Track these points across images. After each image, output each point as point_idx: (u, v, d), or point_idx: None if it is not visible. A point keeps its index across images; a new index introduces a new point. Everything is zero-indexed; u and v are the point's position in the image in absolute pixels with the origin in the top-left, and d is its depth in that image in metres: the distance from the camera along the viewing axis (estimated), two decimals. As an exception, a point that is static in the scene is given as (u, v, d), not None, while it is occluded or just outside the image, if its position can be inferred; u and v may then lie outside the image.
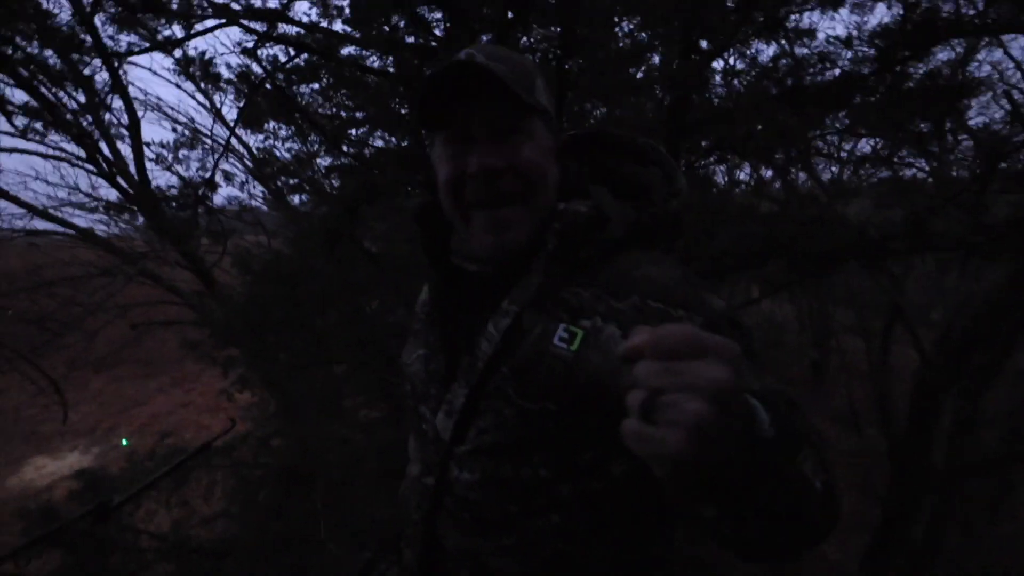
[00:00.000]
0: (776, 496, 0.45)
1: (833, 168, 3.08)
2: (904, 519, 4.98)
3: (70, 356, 5.45)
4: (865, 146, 2.90)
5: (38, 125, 3.72)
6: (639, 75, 2.80)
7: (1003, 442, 4.68)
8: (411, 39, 2.66)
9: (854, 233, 2.46)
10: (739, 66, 2.88)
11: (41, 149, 5.12)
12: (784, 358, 8.81)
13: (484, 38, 2.64)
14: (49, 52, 3.06)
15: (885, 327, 6.36)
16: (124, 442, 6.79)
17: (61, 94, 3.82)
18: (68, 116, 3.99)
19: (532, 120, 0.72)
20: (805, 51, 2.75)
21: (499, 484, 0.69)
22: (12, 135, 4.22)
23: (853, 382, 7.93)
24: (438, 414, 0.75)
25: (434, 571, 0.78)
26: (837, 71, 2.64)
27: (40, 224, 5.76)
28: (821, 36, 2.54)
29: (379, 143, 3.96)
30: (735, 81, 2.79)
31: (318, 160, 4.72)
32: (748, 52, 2.78)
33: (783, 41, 2.81)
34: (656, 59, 2.83)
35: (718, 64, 2.96)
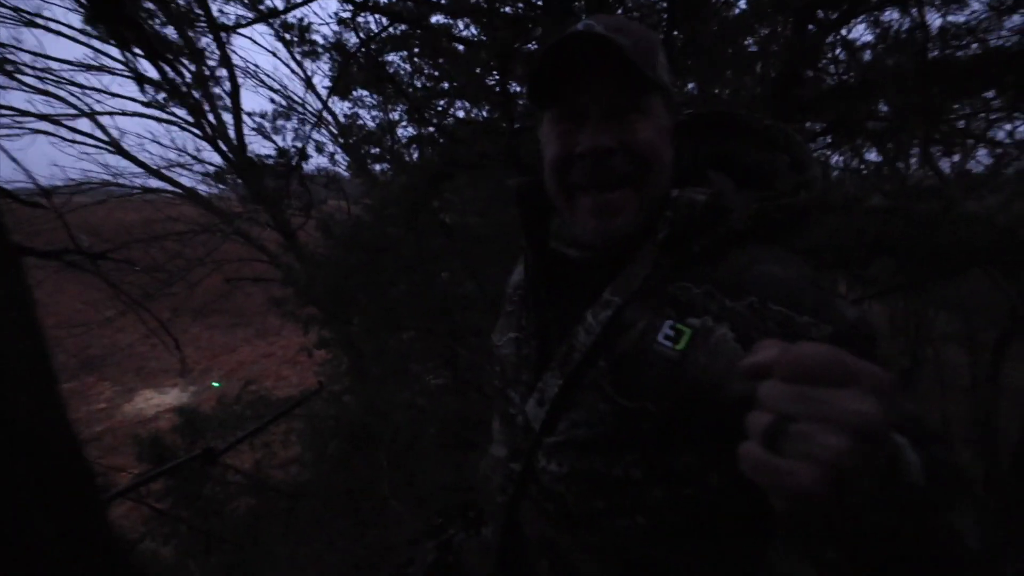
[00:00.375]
0: (917, 551, 0.39)
1: (972, 158, 2.70)
2: (1001, 552, 4.53)
3: (174, 303, 6.06)
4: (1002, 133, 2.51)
5: (160, 96, 4.05)
6: (750, 48, 2.57)
7: None
8: (505, 8, 2.60)
9: (993, 232, 2.15)
10: (867, 38, 2.56)
11: (156, 114, 5.61)
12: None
13: (580, 3, 2.53)
14: (169, 28, 3.30)
15: (999, 338, 5.68)
16: (215, 384, 7.53)
17: (178, 67, 4.13)
18: (183, 87, 4.31)
19: (651, 97, 0.66)
20: (949, 20, 2.40)
21: (587, 479, 0.66)
22: (136, 101, 4.65)
23: (949, 397, 7.19)
24: (529, 401, 0.72)
25: (514, 555, 0.77)
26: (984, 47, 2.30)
27: (154, 183, 6.37)
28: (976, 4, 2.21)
29: (461, 114, 3.97)
30: (865, 54, 2.49)
31: (399, 130, 4.82)
32: (881, 21, 2.47)
33: (916, 10, 2.46)
34: (766, 32, 2.58)
35: (841, 34, 2.66)
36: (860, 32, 2.52)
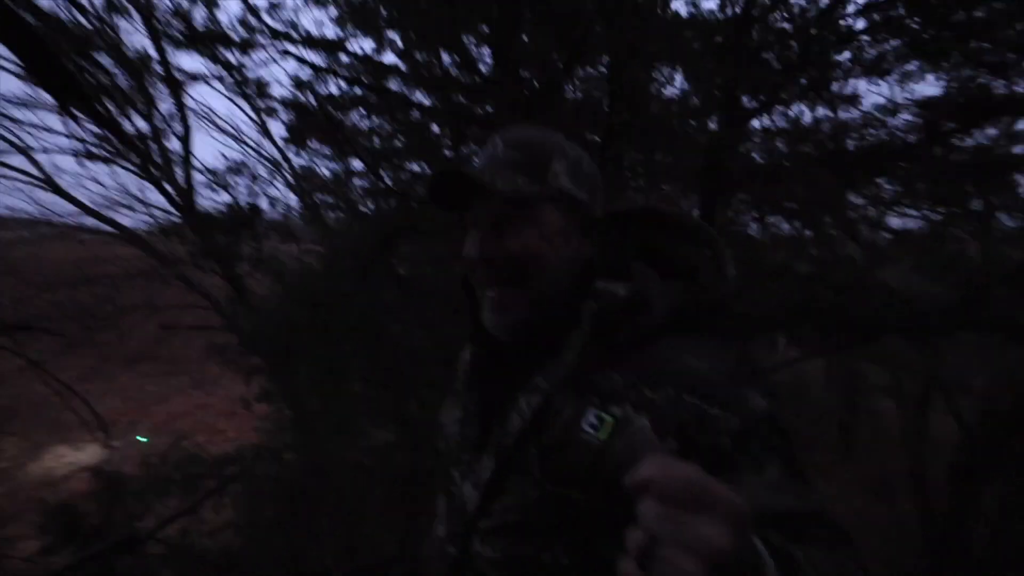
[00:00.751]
0: None
1: (877, 235, 3.01)
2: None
3: (103, 351, 5.65)
4: (906, 220, 2.84)
5: (103, 150, 3.95)
6: (683, 128, 2.81)
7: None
8: (460, 80, 2.74)
9: (900, 304, 2.37)
10: (780, 126, 2.86)
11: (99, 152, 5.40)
12: (809, 417, 8.47)
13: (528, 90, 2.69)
14: (118, 73, 3.28)
15: (922, 394, 6.09)
16: (141, 439, 6.94)
17: (126, 112, 4.05)
18: (131, 132, 4.22)
19: (538, 207, 0.72)
20: (849, 115, 2.72)
21: (519, 564, 0.67)
22: (75, 138, 4.48)
23: (885, 448, 7.55)
24: (465, 483, 0.75)
25: None
26: (881, 137, 2.61)
27: (89, 221, 6.05)
28: (866, 104, 2.52)
29: (416, 167, 4.06)
30: (776, 142, 2.77)
31: (355, 180, 4.86)
32: (790, 113, 2.76)
33: (825, 106, 2.78)
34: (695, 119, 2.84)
35: (759, 122, 2.95)
36: (779, 122, 2.83)
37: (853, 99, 2.49)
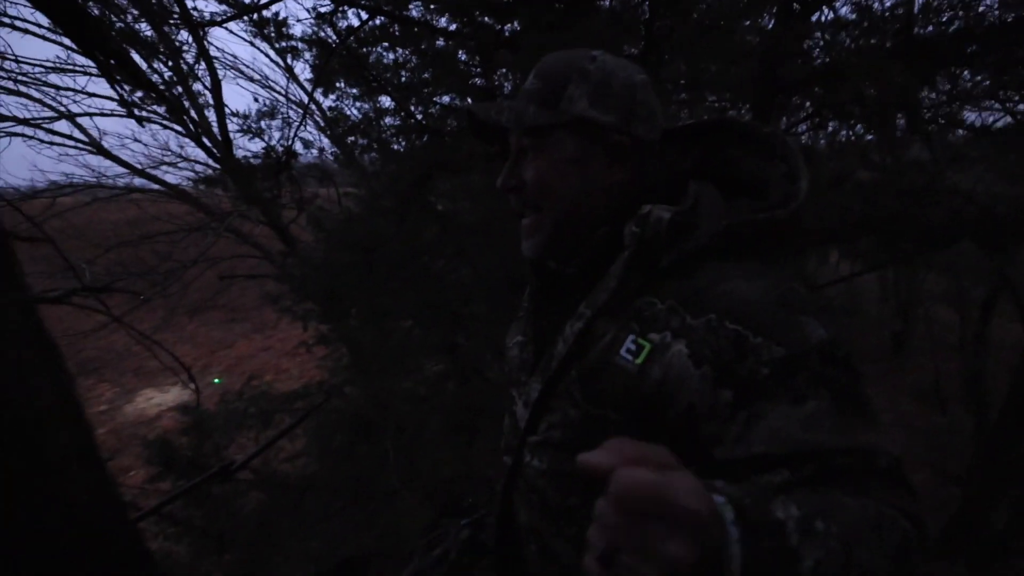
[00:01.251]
0: None
1: (951, 135, 2.72)
2: (986, 505, 4.72)
3: (169, 303, 6.06)
4: (986, 115, 2.52)
5: (137, 96, 3.97)
6: (733, 29, 2.55)
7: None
8: (486, -1, 2.55)
9: (974, 209, 2.19)
10: (848, 16, 2.56)
11: (136, 113, 5.47)
12: (863, 329, 8.26)
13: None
14: (143, 24, 3.22)
15: (987, 297, 5.79)
16: (217, 380, 7.58)
17: (153, 65, 4.04)
18: (161, 85, 4.23)
19: (552, 134, 0.73)
20: (931, -4, 2.39)
21: (563, 477, 0.72)
22: (114, 100, 4.55)
23: (940, 356, 7.35)
24: (519, 402, 0.80)
25: (509, 538, 0.85)
26: (969, 18, 2.29)
27: (139, 182, 6.28)
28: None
29: (446, 99, 3.92)
30: (843, 35, 2.49)
31: (386, 119, 4.76)
32: (860, 1, 2.46)
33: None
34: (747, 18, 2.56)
35: (822, 15, 2.65)
36: (844, 12, 2.51)
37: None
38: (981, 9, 2.15)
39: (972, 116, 2.48)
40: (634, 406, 0.65)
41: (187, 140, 5.70)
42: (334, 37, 3.07)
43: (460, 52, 2.99)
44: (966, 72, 2.20)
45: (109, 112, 5.35)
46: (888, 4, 2.40)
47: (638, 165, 0.75)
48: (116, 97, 4.50)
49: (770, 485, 0.53)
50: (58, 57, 5.22)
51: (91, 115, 5.57)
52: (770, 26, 2.46)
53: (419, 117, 3.70)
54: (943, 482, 5.43)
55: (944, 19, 2.33)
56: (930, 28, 2.36)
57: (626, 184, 0.74)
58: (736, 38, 2.44)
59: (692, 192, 0.71)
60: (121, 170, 6.30)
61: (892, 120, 2.60)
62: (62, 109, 5.59)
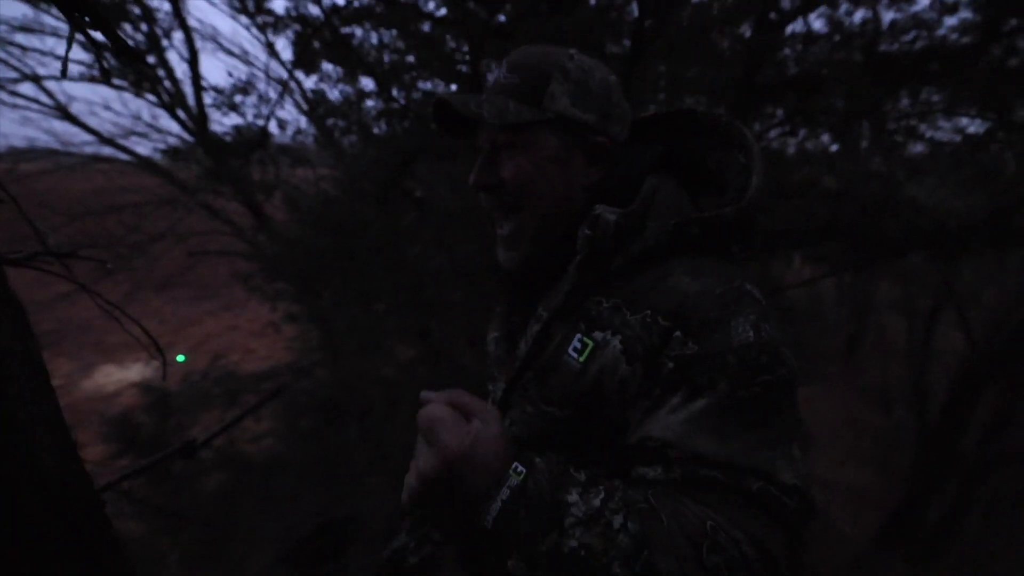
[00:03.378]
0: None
1: (911, 148, 2.87)
2: (924, 499, 5.02)
3: (135, 277, 5.87)
4: (942, 132, 2.68)
5: (111, 64, 3.81)
6: (714, 36, 2.63)
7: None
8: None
9: (928, 222, 2.33)
10: (821, 30, 2.67)
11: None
12: (820, 330, 8.60)
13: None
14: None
15: (932, 307, 6.13)
16: (181, 358, 7.39)
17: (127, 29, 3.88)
18: (136, 51, 4.06)
19: (532, 132, 0.70)
20: (897, 16, 2.52)
21: None
22: (84, 64, 4.36)
23: (889, 360, 7.74)
24: (490, 398, 0.82)
25: None
26: (933, 38, 2.43)
27: (106, 151, 6.03)
28: (921, 2, 2.32)
29: (429, 85, 3.90)
30: (813, 48, 2.59)
31: (368, 102, 4.70)
32: (834, 15, 2.56)
33: (870, 7, 2.57)
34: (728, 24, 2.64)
35: (798, 26, 2.75)
36: (818, 25, 2.63)
37: (906, -4, 2.30)
38: (941, 32, 2.28)
39: (929, 132, 2.63)
40: (576, 403, 0.66)
41: (160, 111, 5.52)
42: (318, 13, 3.03)
43: (447, 37, 2.98)
44: (925, 89, 2.34)
45: (80, 77, 5.12)
46: (858, 20, 2.52)
47: (612, 164, 0.74)
48: (88, 62, 4.32)
49: (642, 479, 0.58)
50: (26, 16, 4.97)
51: (59, 79, 5.32)
52: (748, 35, 2.55)
53: (402, 101, 3.68)
54: (887, 479, 5.75)
55: (909, 38, 2.46)
56: (895, 46, 2.49)
57: (600, 184, 0.73)
58: (716, 44, 2.52)
59: (645, 190, 0.70)
60: (88, 137, 6.04)
61: (857, 131, 2.72)
62: (26, 71, 5.34)
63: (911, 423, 5.77)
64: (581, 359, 0.66)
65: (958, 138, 2.56)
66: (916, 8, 2.47)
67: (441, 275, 4.55)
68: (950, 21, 2.35)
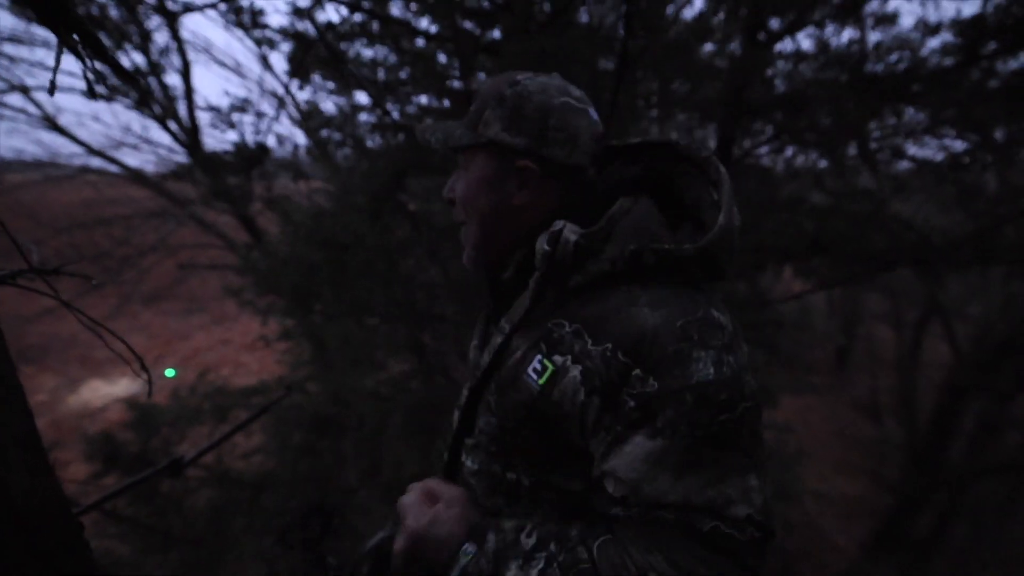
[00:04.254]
0: None
1: (896, 166, 2.95)
2: (912, 510, 5.05)
3: (123, 290, 5.79)
4: (926, 150, 2.76)
5: (101, 88, 3.79)
6: (703, 53, 2.69)
7: (1027, 447, 4.64)
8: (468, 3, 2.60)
9: (914, 237, 2.38)
10: (808, 50, 2.73)
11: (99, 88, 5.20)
12: (810, 342, 8.68)
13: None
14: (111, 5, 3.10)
15: (920, 319, 6.22)
16: (170, 373, 7.26)
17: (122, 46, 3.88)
18: (128, 65, 4.07)
19: (472, 155, 0.77)
20: (882, 37, 2.59)
21: (490, 478, 0.76)
22: (74, 75, 4.34)
23: (878, 371, 7.83)
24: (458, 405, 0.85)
25: None
26: (915, 60, 2.50)
27: (95, 162, 5.98)
28: (906, 23, 2.39)
29: (424, 99, 3.93)
30: (801, 66, 2.66)
31: (362, 116, 4.72)
32: (821, 35, 2.63)
33: (857, 27, 2.64)
34: (717, 43, 2.70)
35: (785, 45, 2.81)
36: (806, 45, 2.70)
37: (890, 19, 2.36)
38: (924, 53, 2.34)
39: (913, 150, 2.70)
40: (534, 423, 0.68)
41: (151, 122, 5.50)
42: (313, 30, 3.05)
43: (439, 54, 3.02)
44: (910, 108, 2.40)
45: (68, 88, 5.08)
46: (844, 40, 2.59)
47: (560, 187, 0.74)
48: (78, 73, 4.31)
49: (606, 514, 0.63)
50: (15, 27, 4.94)
51: (49, 94, 5.26)
52: (738, 52, 2.60)
53: (395, 116, 3.70)
54: (878, 489, 5.78)
55: (893, 59, 2.53)
56: (880, 66, 2.55)
57: (542, 206, 0.74)
58: (705, 60, 2.58)
59: (613, 211, 0.69)
60: (77, 149, 6.00)
61: (844, 148, 2.78)
62: (14, 81, 5.30)
63: (900, 434, 5.83)
64: (540, 382, 0.67)
65: (942, 156, 2.62)
66: (900, 29, 2.55)
67: (434, 289, 4.55)
68: (933, 43, 2.42)
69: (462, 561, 0.63)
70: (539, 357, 0.68)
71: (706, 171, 0.73)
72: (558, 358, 0.66)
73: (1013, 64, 2.27)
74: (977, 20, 2.23)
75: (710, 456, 0.58)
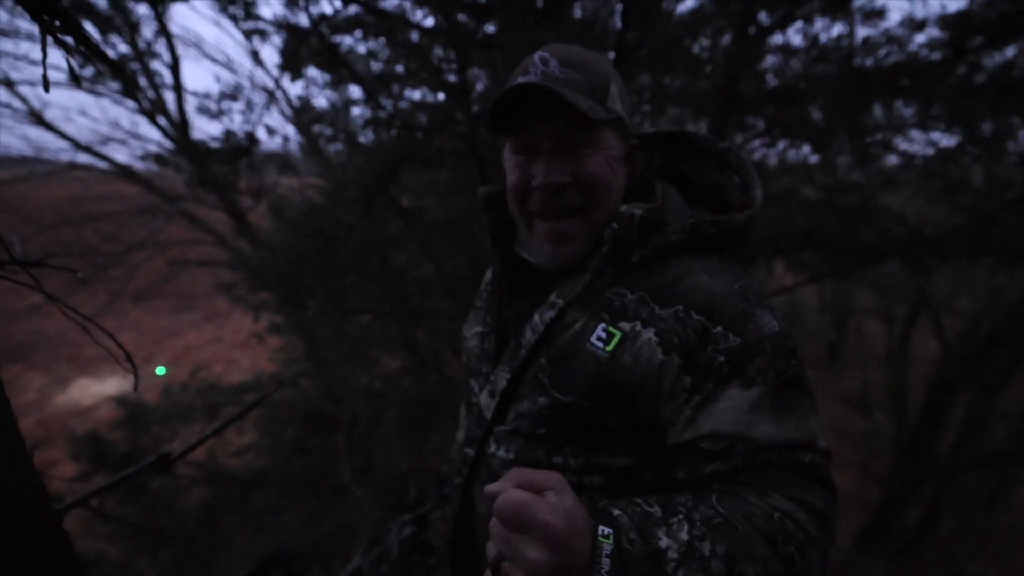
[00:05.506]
0: None
1: (886, 160, 2.98)
2: (902, 502, 5.12)
3: (112, 287, 5.72)
4: (915, 144, 2.80)
5: (88, 72, 3.75)
6: (695, 48, 2.70)
7: (1012, 438, 4.71)
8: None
9: (903, 230, 2.41)
10: (798, 44, 2.75)
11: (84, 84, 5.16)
12: (802, 337, 8.79)
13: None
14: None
15: (909, 314, 6.30)
16: (161, 371, 7.18)
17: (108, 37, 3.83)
18: (115, 58, 4.02)
19: (602, 131, 0.70)
20: (870, 32, 2.62)
21: (530, 465, 0.73)
22: (61, 70, 4.28)
23: (869, 366, 7.93)
24: (483, 392, 0.80)
25: (467, 530, 0.86)
26: (903, 55, 2.52)
27: (83, 158, 5.91)
28: (893, 18, 2.42)
29: (417, 95, 3.92)
30: (792, 61, 2.68)
31: (354, 110, 4.70)
32: (810, 30, 2.65)
33: (848, 20, 2.67)
34: (709, 37, 2.72)
35: (776, 40, 2.83)
36: (796, 39, 2.72)
37: (878, 14, 2.39)
38: (912, 48, 2.37)
39: (903, 144, 2.74)
40: (603, 392, 0.67)
41: (140, 117, 5.43)
42: (306, 21, 3.03)
43: (435, 47, 3.01)
44: (898, 103, 2.43)
45: (55, 82, 5.02)
46: (834, 35, 2.61)
47: (635, 168, 0.79)
48: (65, 67, 4.26)
49: (702, 474, 0.63)
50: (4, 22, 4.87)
51: (34, 84, 5.21)
52: (729, 47, 2.62)
53: (389, 110, 3.69)
54: (868, 482, 5.85)
55: (882, 54, 2.56)
56: (869, 61, 2.58)
57: (624, 185, 0.76)
58: (697, 55, 2.59)
59: (659, 193, 0.74)
60: (64, 144, 5.92)
61: (834, 142, 2.81)
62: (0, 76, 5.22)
63: (890, 427, 5.91)
64: (608, 348, 0.67)
65: (931, 151, 2.66)
66: (888, 24, 2.57)
67: (427, 285, 4.54)
68: (920, 38, 2.44)
69: (606, 547, 0.52)
70: (603, 326, 0.68)
71: (725, 160, 0.79)
72: (625, 324, 0.68)
73: (999, 58, 2.30)
74: (962, 15, 2.26)
75: (793, 398, 0.63)
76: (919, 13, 2.41)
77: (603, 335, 0.68)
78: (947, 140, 2.66)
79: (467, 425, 0.87)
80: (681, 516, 0.56)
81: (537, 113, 0.69)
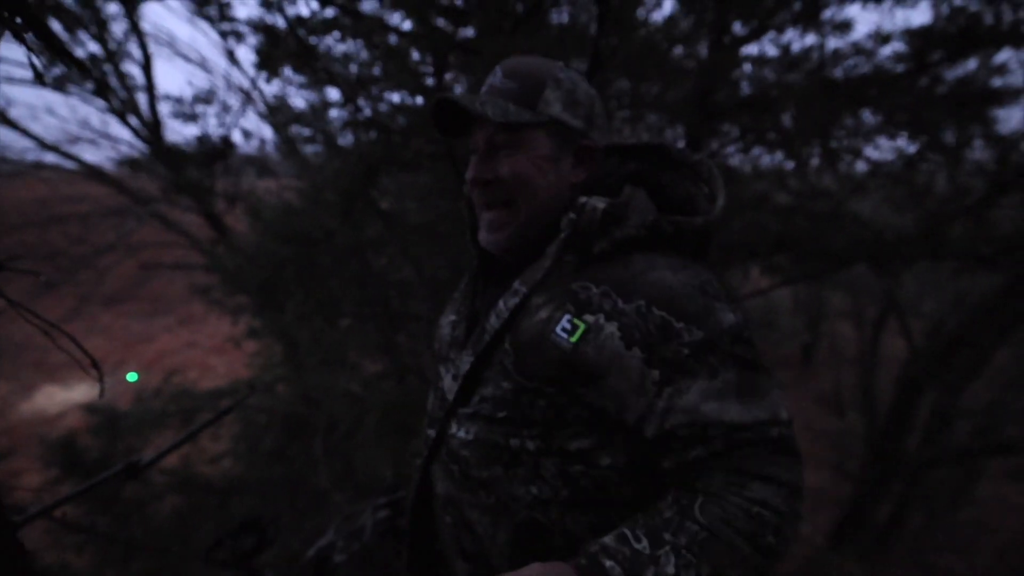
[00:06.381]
0: None
1: (854, 167, 3.08)
2: (873, 499, 5.27)
3: (81, 291, 5.54)
4: (881, 152, 2.90)
5: (54, 73, 3.63)
6: (671, 54, 2.75)
7: (975, 435, 4.89)
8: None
9: (869, 234, 2.49)
10: (770, 54, 2.82)
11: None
12: (777, 339, 8.98)
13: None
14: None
15: (878, 316, 6.49)
16: (132, 377, 6.97)
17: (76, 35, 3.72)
18: (84, 56, 3.91)
19: (527, 133, 0.77)
20: (839, 44, 2.70)
21: (488, 447, 0.76)
22: (26, 67, 4.14)
23: (841, 366, 8.13)
24: (447, 376, 0.84)
25: (425, 510, 0.89)
26: (870, 66, 2.61)
27: (49, 157, 5.72)
28: (858, 32, 2.50)
29: (396, 98, 3.90)
30: (765, 70, 2.75)
31: (332, 111, 4.64)
32: (781, 41, 2.73)
33: (817, 32, 2.75)
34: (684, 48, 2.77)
35: (750, 49, 2.90)
36: (770, 50, 2.80)
37: (845, 26, 2.46)
38: (879, 60, 2.45)
39: (870, 152, 2.83)
40: (565, 381, 0.71)
41: (111, 116, 5.28)
42: (282, 22, 2.99)
43: (413, 51, 3.00)
44: (865, 112, 2.52)
45: (19, 80, 4.86)
46: (807, 45, 2.69)
47: (593, 168, 0.82)
48: (29, 64, 4.11)
49: (683, 461, 0.68)
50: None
51: (40, 85, 5.01)
52: (705, 56, 2.67)
53: (368, 112, 3.66)
54: (842, 480, 6.00)
55: (851, 64, 2.64)
56: (839, 71, 2.66)
57: (583, 184, 0.81)
58: (674, 62, 2.64)
59: (626, 193, 0.79)
60: (30, 143, 5.72)
61: (806, 149, 2.89)
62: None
63: (861, 426, 6.07)
64: (573, 339, 0.70)
65: (895, 159, 2.75)
66: (856, 37, 2.66)
67: (407, 288, 4.51)
68: (886, 50, 2.53)
69: None
70: (568, 317, 0.71)
71: (698, 171, 0.83)
72: (589, 317, 0.70)
73: (959, 71, 2.40)
74: (925, 30, 2.34)
75: (754, 380, 0.69)
76: (886, 26, 2.50)
77: (568, 326, 0.71)
78: (911, 148, 2.76)
79: (430, 408, 0.90)
80: (667, 548, 0.62)
81: (480, 119, 0.77)
